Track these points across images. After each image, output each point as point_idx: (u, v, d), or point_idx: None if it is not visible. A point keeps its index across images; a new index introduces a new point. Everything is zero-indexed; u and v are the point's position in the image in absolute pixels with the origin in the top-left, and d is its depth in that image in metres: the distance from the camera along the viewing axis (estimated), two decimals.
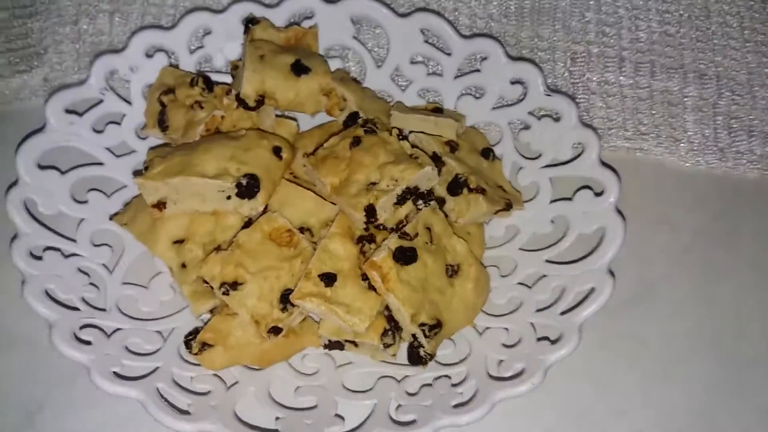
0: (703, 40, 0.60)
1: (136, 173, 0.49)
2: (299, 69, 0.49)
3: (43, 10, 0.59)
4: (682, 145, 0.56)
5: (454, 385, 0.45)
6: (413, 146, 0.48)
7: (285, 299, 0.44)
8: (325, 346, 0.47)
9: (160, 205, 0.46)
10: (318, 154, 0.48)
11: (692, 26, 0.60)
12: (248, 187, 0.45)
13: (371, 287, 0.44)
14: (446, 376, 0.46)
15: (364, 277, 0.44)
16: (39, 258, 0.47)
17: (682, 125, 0.57)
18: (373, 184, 0.45)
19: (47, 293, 0.45)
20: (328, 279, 0.44)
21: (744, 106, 0.58)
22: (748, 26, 0.60)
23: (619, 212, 0.48)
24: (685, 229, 0.54)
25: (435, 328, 0.44)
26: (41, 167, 0.49)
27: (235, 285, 0.44)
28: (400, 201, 0.46)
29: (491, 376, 0.45)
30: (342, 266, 0.44)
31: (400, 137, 0.48)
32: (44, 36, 0.58)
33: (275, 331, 0.45)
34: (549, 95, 0.51)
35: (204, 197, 0.45)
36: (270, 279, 0.44)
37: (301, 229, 0.47)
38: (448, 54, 0.53)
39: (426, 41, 0.53)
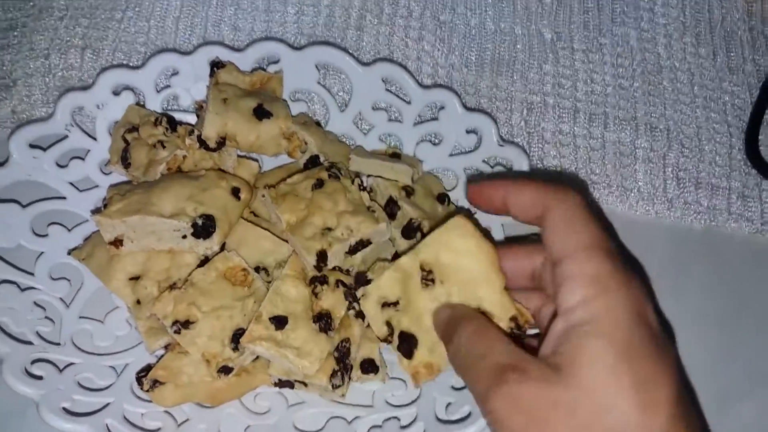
0: (655, 95, 0.62)
1: (95, 211, 0.50)
2: (261, 113, 0.50)
3: (15, 44, 0.60)
4: (632, 194, 0.59)
5: (403, 428, 0.46)
6: (372, 199, 0.50)
7: (237, 339, 0.45)
8: (276, 384, 0.48)
9: (117, 242, 0.46)
10: (279, 188, 0.49)
11: (645, 81, 0.63)
12: (204, 228, 0.45)
13: (322, 329, 0.45)
14: (396, 417, 0.47)
15: (316, 320, 0.45)
16: None
17: (633, 175, 0.59)
18: (329, 229, 0.47)
19: (0, 327, 0.45)
20: (279, 322, 0.44)
21: (692, 159, 0.60)
22: (698, 83, 0.63)
23: None
24: None
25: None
26: (1, 200, 0.49)
27: (187, 324, 0.45)
28: (352, 251, 0.47)
29: (439, 419, 0.46)
30: (294, 308, 0.45)
31: (361, 188, 0.49)
32: (14, 68, 0.59)
33: (226, 370, 0.45)
34: (502, 145, 0.52)
35: (160, 236, 0.46)
36: (222, 318, 0.45)
37: (257, 269, 0.48)
38: (408, 102, 0.55)
39: (387, 89, 0.55)
